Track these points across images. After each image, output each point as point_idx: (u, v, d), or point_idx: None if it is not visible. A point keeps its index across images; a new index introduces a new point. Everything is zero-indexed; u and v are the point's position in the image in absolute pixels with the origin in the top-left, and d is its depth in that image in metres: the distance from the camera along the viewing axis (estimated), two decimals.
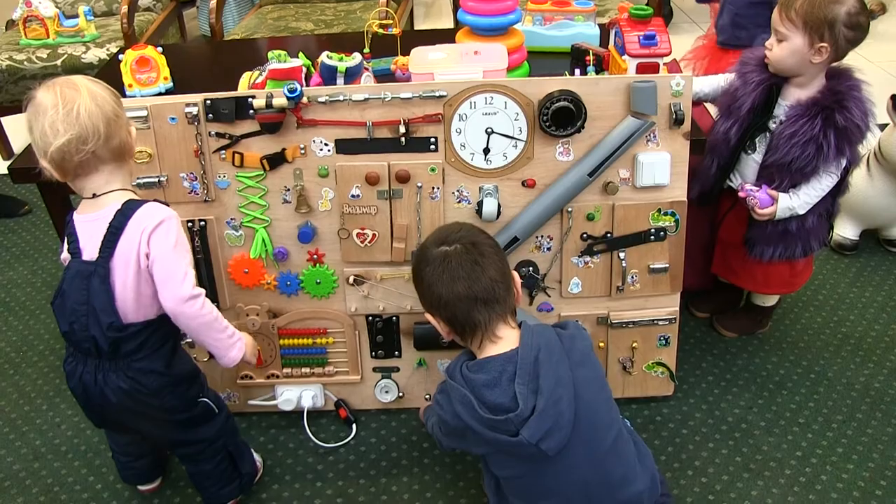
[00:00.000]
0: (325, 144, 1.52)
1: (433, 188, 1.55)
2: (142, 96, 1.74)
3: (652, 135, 1.52)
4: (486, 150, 1.53)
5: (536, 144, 1.52)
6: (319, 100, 1.47)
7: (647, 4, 1.86)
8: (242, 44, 2.65)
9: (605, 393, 1.29)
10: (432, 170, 1.53)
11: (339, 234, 1.58)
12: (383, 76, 1.74)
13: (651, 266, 1.62)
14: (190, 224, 1.56)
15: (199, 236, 1.57)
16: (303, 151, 1.52)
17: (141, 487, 1.61)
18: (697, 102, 1.75)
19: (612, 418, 1.29)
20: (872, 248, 2.28)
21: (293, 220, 1.58)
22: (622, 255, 1.60)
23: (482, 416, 1.20)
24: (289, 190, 1.55)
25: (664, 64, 1.61)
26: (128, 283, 1.25)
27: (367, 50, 1.84)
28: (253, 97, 1.46)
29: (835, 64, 1.59)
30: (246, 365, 1.54)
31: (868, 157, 2.12)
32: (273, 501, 1.59)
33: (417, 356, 1.72)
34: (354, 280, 1.62)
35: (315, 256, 1.61)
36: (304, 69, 1.66)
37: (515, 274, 1.32)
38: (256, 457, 1.63)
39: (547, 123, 1.46)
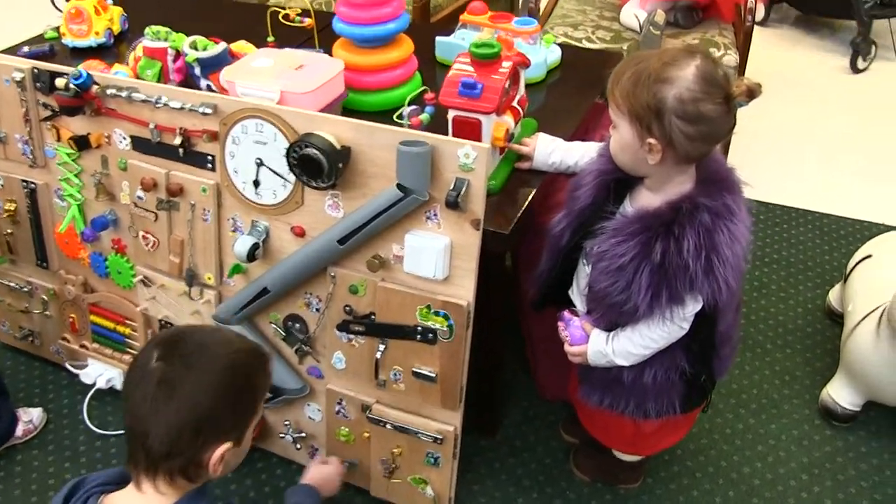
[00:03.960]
0: (124, 138, 1.42)
1: (205, 209, 1.38)
2: (72, 47, 1.80)
3: (433, 212, 1.19)
4: (256, 183, 1.31)
5: (306, 190, 1.27)
6: (107, 91, 1.37)
7: None
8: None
9: None
10: (203, 190, 1.36)
11: (130, 232, 1.49)
12: None
13: (415, 370, 1.29)
14: (24, 184, 1.58)
15: (29, 198, 1.59)
16: (107, 140, 1.45)
17: None
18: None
19: None
20: (882, 427, 1.59)
21: (101, 205, 1.52)
22: (381, 345, 1.30)
23: None
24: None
25: None
26: None
27: (270, 38, 1.68)
28: (62, 75, 1.42)
29: (722, 166, 1.09)
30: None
31: (881, 314, 1.45)
32: (24, 466, 1.58)
33: None
34: (142, 281, 1.53)
35: (117, 246, 1.55)
36: (174, 51, 1.58)
37: (220, 449, 0.92)
38: (28, 419, 1.63)
39: (296, 169, 1.21)
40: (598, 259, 1.10)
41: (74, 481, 0.96)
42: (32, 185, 1.57)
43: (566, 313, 1.22)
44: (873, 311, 1.50)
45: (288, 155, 1.20)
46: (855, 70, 2.99)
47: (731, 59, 2.13)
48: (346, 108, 1.54)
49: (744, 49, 2.17)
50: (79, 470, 1.56)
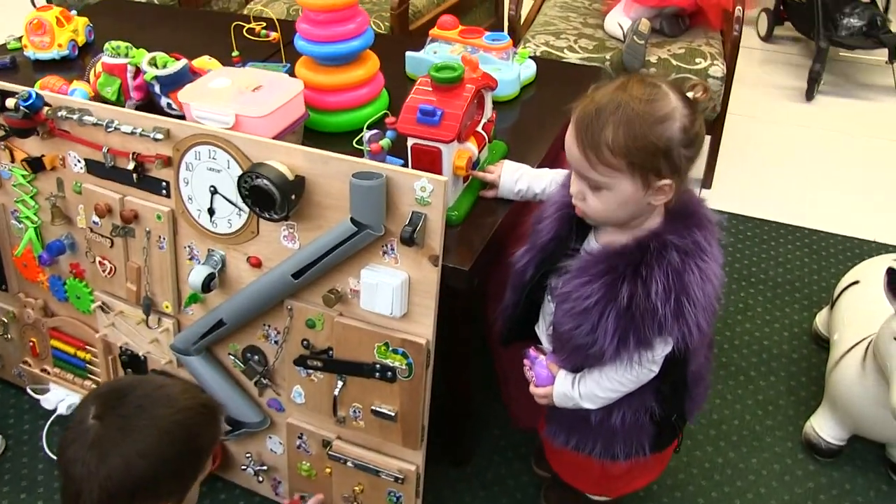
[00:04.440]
0: (79, 161, 1.37)
1: (160, 237, 1.32)
2: (34, 59, 1.75)
3: (389, 246, 1.13)
4: (211, 211, 1.25)
5: (262, 220, 1.22)
6: (59, 114, 1.32)
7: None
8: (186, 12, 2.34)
9: None
10: (158, 217, 1.30)
11: (87, 257, 1.44)
12: None
13: (374, 408, 1.23)
14: None
15: None
16: (62, 162, 1.39)
17: None
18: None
19: None
20: (867, 463, 1.53)
21: (58, 229, 1.47)
22: (340, 382, 1.24)
23: None
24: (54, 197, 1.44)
25: None
26: None
27: (235, 53, 1.62)
28: (13, 94, 1.36)
29: (692, 198, 1.04)
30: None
31: (867, 346, 1.39)
32: None
33: None
34: (101, 307, 1.47)
35: (75, 271, 1.49)
36: (133, 68, 1.52)
37: None
38: None
39: (248, 200, 1.15)
40: (561, 300, 1.04)
41: None
42: None
43: (531, 351, 1.16)
44: (859, 342, 1.44)
45: (239, 185, 1.14)
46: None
47: (718, 69, 2.07)
48: (309, 128, 1.48)
49: (731, 59, 2.10)
50: (35, 500, 1.51)
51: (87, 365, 1.58)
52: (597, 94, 0.97)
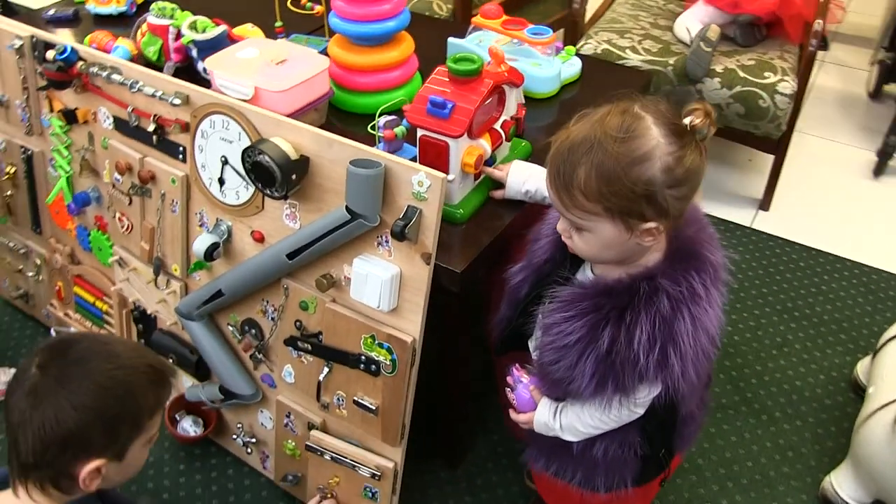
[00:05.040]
0: (108, 117, 1.38)
1: (173, 200, 1.32)
2: (94, 14, 1.79)
3: (384, 238, 1.09)
4: (221, 181, 1.25)
5: (266, 197, 1.20)
6: (91, 70, 1.33)
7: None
8: None
9: None
10: (173, 181, 1.30)
11: (109, 212, 1.46)
12: None
13: (356, 399, 1.20)
14: (22, 150, 1.58)
15: (25, 164, 1.59)
16: (93, 117, 1.41)
17: None
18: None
19: None
20: None
21: (86, 181, 1.50)
22: (326, 367, 1.22)
23: None
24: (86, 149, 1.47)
25: None
26: None
27: (278, 23, 1.60)
28: (54, 47, 1.39)
29: (698, 234, 0.94)
30: None
31: None
32: None
33: None
34: (118, 261, 1.50)
35: (99, 223, 1.52)
36: (175, 30, 1.53)
37: (90, 466, 0.87)
38: (5, 378, 1.62)
39: (251, 175, 1.13)
40: (544, 330, 0.97)
41: None
42: (29, 152, 1.57)
43: (515, 371, 1.10)
44: (893, 401, 1.31)
45: (243, 159, 1.12)
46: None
47: (787, 86, 1.91)
48: (337, 108, 1.46)
49: (804, 76, 1.95)
50: None
51: (104, 315, 1.62)
52: (574, 127, 0.88)
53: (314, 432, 1.28)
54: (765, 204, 2.20)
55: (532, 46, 1.47)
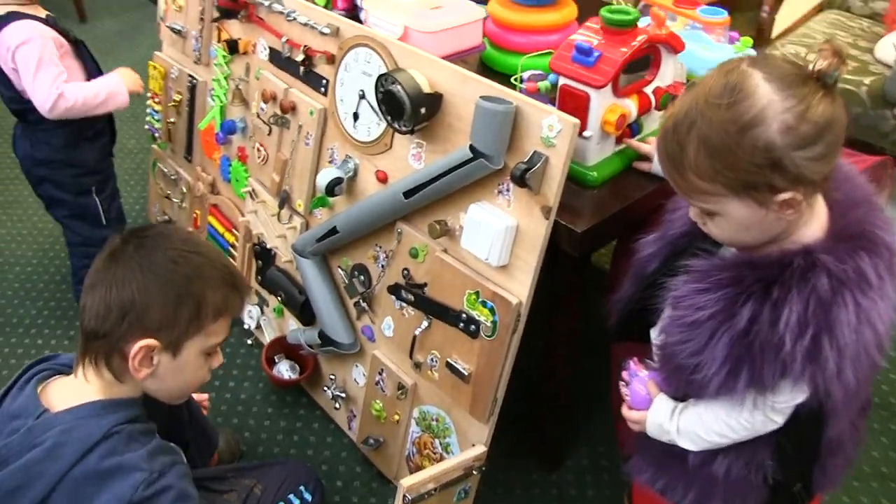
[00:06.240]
0: (265, 49, 1.41)
1: (308, 133, 1.31)
2: None
3: (505, 186, 1.00)
4: (356, 116, 1.21)
5: (396, 135, 1.15)
6: (258, 0, 1.36)
7: None
8: None
9: None
10: (311, 113, 1.29)
11: (250, 141, 1.48)
12: None
13: (450, 361, 1.11)
14: (189, 79, 1.65)
15: (190, 92, 1.66)
16: (253, 48, 1.44)
17: None
18: None
19: None
20: None
21: (236, 110, 1.53)
22: (425, 322, 1.13)
23: None
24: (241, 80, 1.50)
25: None
26: (10, 75, 1.43)
27: None
28: None
29: (867, 215, 0.77)
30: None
31: None
32: None
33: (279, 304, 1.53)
34: (250, 192, 1.51)
35: (240, 154, 1.55)
36: None
37: (142, 343, 0.84)
38: None
39: (382, 105, 1.08)
40: (673, 305, 0.83)
41: (43, 357, 0.93)
42: (195, 81, 1.64)
43: (633, 364, 0.95)
44: None
45: (376, 88, 1.08)
46: None
47: None
48: (488, 67, 1.39)
49: None
50: None
51: (230, 248, 1.65)
52: (679, 100, 0.75)
53: (404, 481, 1.10)
54: None
55: (705, 31, 1.32)
